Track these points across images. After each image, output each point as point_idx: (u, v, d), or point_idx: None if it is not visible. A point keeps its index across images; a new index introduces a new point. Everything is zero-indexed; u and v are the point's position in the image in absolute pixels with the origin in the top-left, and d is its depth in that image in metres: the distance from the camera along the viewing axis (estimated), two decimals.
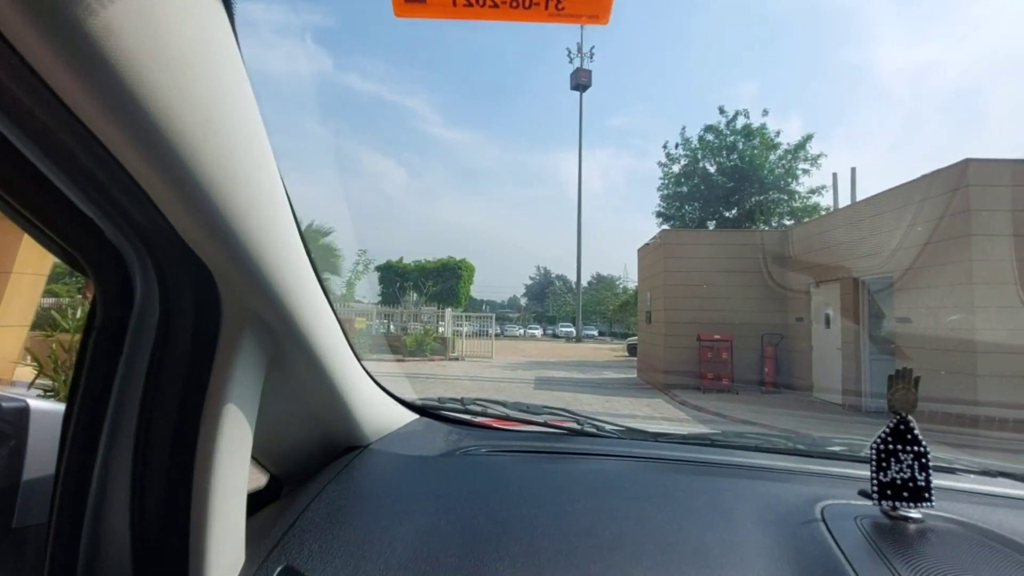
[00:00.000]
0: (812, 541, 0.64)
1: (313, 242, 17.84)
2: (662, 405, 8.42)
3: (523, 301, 66.88)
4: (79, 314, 5.62)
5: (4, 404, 0.67)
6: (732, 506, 0.73)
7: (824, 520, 0.69)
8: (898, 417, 0.73)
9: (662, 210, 21.01)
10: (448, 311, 17.07)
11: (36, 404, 0.70)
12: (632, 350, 18.89)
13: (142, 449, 0.53)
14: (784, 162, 18.52)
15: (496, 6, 0.45)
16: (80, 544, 0.51)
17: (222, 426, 0.53)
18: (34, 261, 5.22)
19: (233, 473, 0.55)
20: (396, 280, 20.31)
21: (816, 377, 9.00)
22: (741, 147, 18.73)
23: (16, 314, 5.22)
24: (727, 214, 19.48)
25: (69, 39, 0.31)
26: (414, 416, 1.07)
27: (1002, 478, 0.92)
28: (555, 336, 41.07)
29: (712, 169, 19.43)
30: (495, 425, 1.09)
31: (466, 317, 18.15)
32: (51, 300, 7.89)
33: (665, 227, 17.32)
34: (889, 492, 0.70)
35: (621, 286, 45.23)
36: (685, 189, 20.07)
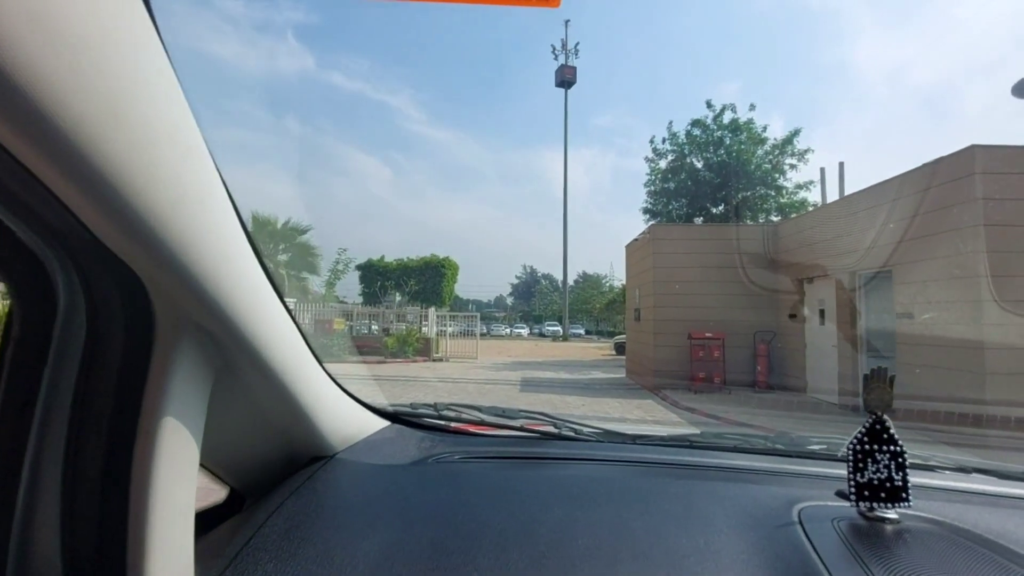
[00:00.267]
0: (789, 545, 0.64)
1: (289, 240, 17.52)
2: (653, 407, 8.20)
3: (510, 300, 67.21)
4: None
5: None
6: (709, 510, 0.72)
7: (801, 523, 0.69)
8: (874, 417, 0.72)
9: (649, 206, 20.80)
10: (431, 311, 16.72)
11: None
12: (620, 349, 18.76)
13: (72, 467, 0.49)
14: (771, 157, 18.36)
15: None
16: (5, 573, 0.49)
17: (160, 441, 0.50)
18: None
19: (176, 489, 0.52)
20: (377, 279, 19.86)
21: (810, 376, 8.81)
22: (728, 142, 18.56)
23: None
24: (714, 210, 19.31)
25: None
26: (385, 423, 1.04)
27: (976, 474, 0.93)
28: (542, 335, 41.46)
29: (699, 164, 19.25)
30: (471, 430, 1.07)
31: (451, 317, 17.88)
32: None
33: (652, 224, 17.03)
34: (866, 493, 0.70)
35: (607, 285, 45.56)
36: (672, 185, 19.84)
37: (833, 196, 11.78)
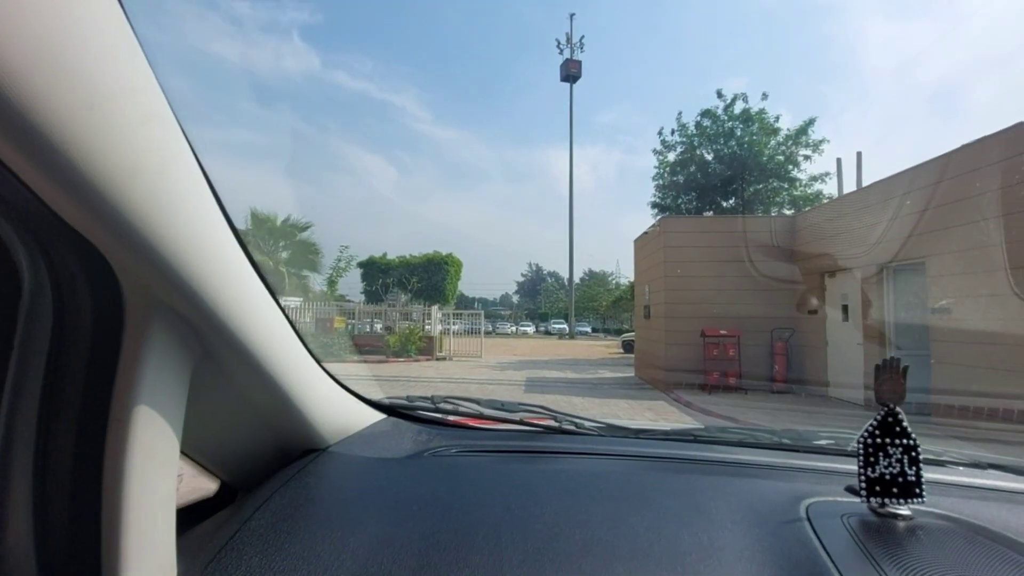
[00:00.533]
0: (796, 542, 0.62)
1: (289, 238, 17.21)
2: (665, 408, 7.79)
3: (515, 298, 67.18)
4: None
5: None
6: (712, 505, 0.70)
7: (809, 519, 0.67)
8: (886, 409, 0.70)
9: (657, 200, 20.27)
10: (435, 309, 16.33)
11: None
12: (628, 347, 18.33)
13: (42, 458, 0.47)
14: (784, 148, 17.71)
15: None
16: None
17: (133, 430, 0.48)
18: None
19: (154, 480, 0.50)
20: (379, 277, 19.50)
21: (832, 374, 8.34)
22: (739, 133, 17.96)
23: None
24: (724, 204, 18.75)
25: None
26: (381, 416, 1.02)
27: (992, 470, 0.91)
28: (548, 333, 41.28)
29: (709, 157, 18.68)
30: (470, 424, 1.05)
31: (455, 315, 17.49)
32: None
33: (663, 216, 16.51)
34: (878, 488, 0.68)
35: (613, 282, 45.20)
36: (681, 178, 19.30)
37: (850, 188, 11.25)
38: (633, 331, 16.79)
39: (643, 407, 7.80)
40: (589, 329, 41.62)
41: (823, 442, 1.02)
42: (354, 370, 10.88)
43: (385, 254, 20.48)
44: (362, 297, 20.09)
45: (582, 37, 41.09)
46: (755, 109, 17.78)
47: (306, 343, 0.75)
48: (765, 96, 17.99)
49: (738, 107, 17.99)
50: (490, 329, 33.05)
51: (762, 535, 0.63)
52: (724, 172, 18.01)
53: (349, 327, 15.94)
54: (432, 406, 1.06)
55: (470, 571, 0.55)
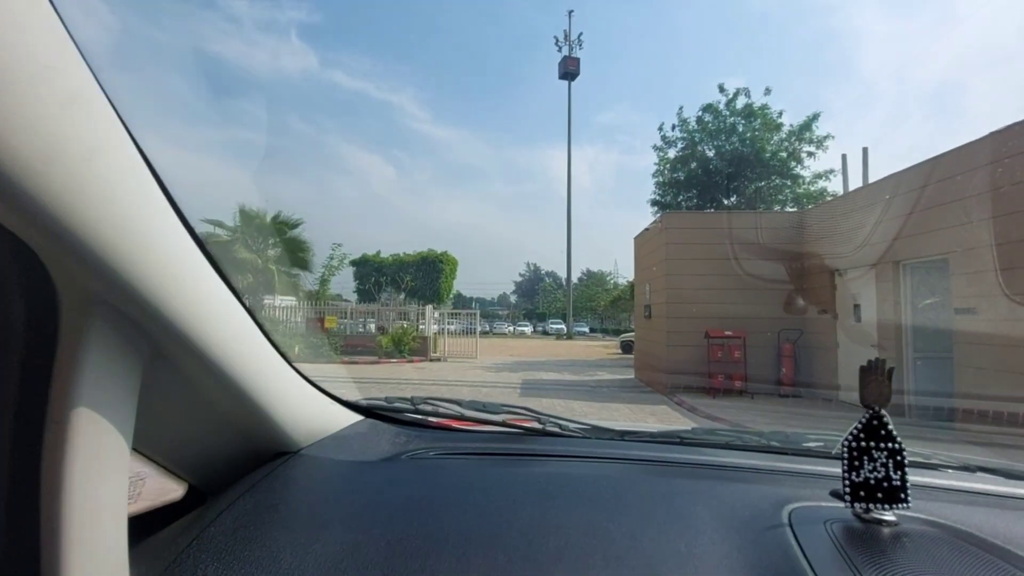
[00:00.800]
0: (776, 549, 0.61)
1: (279, 235, 16.72)
2: (668, 413, 7.41)
3: (513, 298, 66.95)
4: None
5: None
6: (693, 511, 0.69)
7: (791, 525, 0.66)
8: (871, 412, 0.69)
9: (657, 198, 19.82)
10: (429, 308, 15.90)
11: None
12: (626, 347, 17.93)
13: None
14: (787, 144, 17.29)
15: None
16: None
17: (73, 432, 0.45)
18: None
19: (98, 484, 0.48)
20: (372, 275, 19.06)
21: (843, 377, 7.93)
22: (741, 129, 17.54)
23: None
24: (726, 201, 18.31)
25: None
26: (358, 418, 0.99)
27: (982, 473, 0.90)
28: (546, 333, 40.93)
29: (711, 153, 18.24)
30: (452, 426, 1.04)
31: (451, 315, 17.05)
32: None
33: (665, 212, 16.11)
34: (862, 493, 0.67)
35: (612, 282, 44.87)
36: (682, 175, 18.85)
37: (855, 185, 10.85)
38: (632, 331, 16.38)
39: (645, 412, 7.41)
40: (587, 329, 41.20)
41: (811, 444, 1.00)
42: (339, 371, 10.45)
43: (379, 252, 20.07)
44: (355, 296, 19.65)
45: (580, 34, 40.69)
46: (757, 104, 17.37)
47: (275, 343, 0.74)
48: (768, 91, 17.70)
49: (740, 102, 17.58)
50: (487, 329, 32.67)
51: (742, 543, 0.62)
52: (726, 169, 17.58)
53: (341, 327, 15.53)
54: (412, 407, 1.03)
55: None
